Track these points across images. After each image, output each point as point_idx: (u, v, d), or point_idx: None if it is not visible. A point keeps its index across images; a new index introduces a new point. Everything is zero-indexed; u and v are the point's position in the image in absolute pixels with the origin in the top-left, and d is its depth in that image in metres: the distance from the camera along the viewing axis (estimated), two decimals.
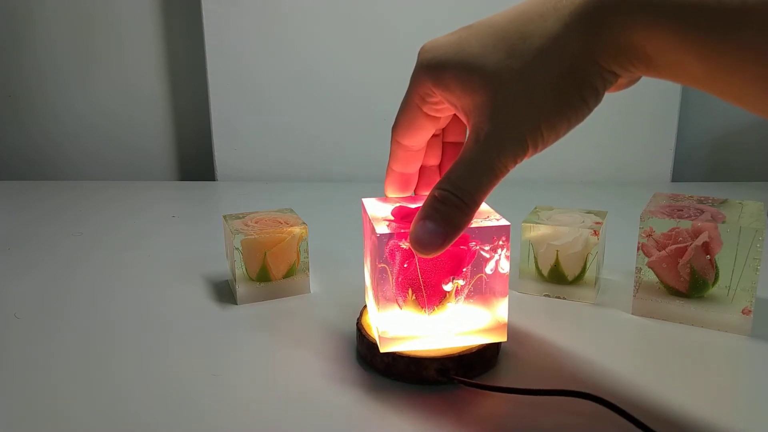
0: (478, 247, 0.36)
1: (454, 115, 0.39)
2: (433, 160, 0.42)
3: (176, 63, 1.03)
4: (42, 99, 1.04)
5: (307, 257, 0.52)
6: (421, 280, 0.36)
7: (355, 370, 0.40)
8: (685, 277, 0.45)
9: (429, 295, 0.37)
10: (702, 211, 0.45)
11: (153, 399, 0.37)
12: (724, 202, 0.47)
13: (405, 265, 0.36)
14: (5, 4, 0.99)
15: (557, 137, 0.31)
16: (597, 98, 0.30)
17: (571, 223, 0.49)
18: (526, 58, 0.30)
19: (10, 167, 1.06)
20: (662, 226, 0.45)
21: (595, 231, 0.48)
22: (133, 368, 0.41)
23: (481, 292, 0.37)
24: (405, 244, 0.36)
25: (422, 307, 0.37)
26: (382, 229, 0.36)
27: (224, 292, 0.53)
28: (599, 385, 0.38)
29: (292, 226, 0.51)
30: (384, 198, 0.42)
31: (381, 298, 0.36)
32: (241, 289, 0.50)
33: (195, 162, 1.06)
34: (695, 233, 0.44)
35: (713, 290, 0.44)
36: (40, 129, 1.05)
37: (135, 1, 1.00)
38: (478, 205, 0.32)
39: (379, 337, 0.37)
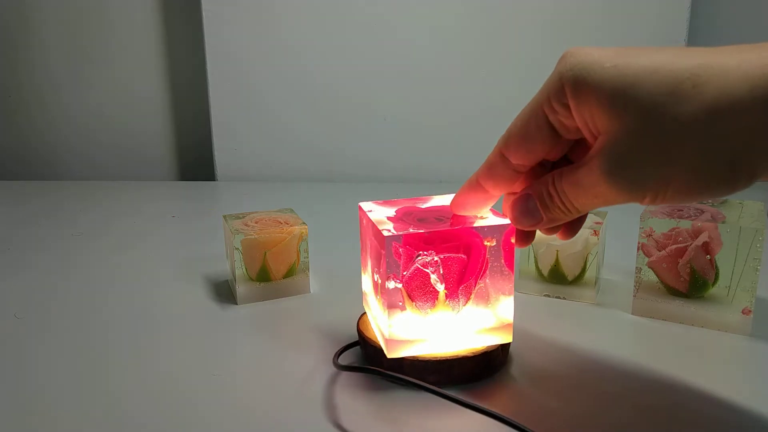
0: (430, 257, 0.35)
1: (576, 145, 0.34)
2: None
3: (176, 64, 1.03)
4: (43, 99, 1.03)
5: (307, 257, 0.52)
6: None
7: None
8: (685, 277, 0.45)
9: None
10: (702, 211, 0.45)
11: (153, 398, 0.37)
12: (724, 202, 0.47)
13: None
14: (6, 4, 0.99)
15: (683, 201, 0.28)
16: (749, 182, 0.26)
17: None
18: (689, 109, 0.25)
19: (11, 168, 1.06)
20: (662, 226, 0.45)
21: (595, 231, 0.48)
22: (133, 368, 0.41)
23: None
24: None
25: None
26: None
27: (224, 292, 0.53)
28: (599, 385, 0.38)
29: (292, 226, 0.51)
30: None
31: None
32: (241, 289, 0.50)
33: (195, 162, 1.06)
34: (695, 233, 0.44)
35: (713, 290, 0.44)
36: (41, 128, 1.05)
37: (135, 2, 1.00)
38: (580, 214, 0.32)
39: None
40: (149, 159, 1.06)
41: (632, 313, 0.47)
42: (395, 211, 0.39)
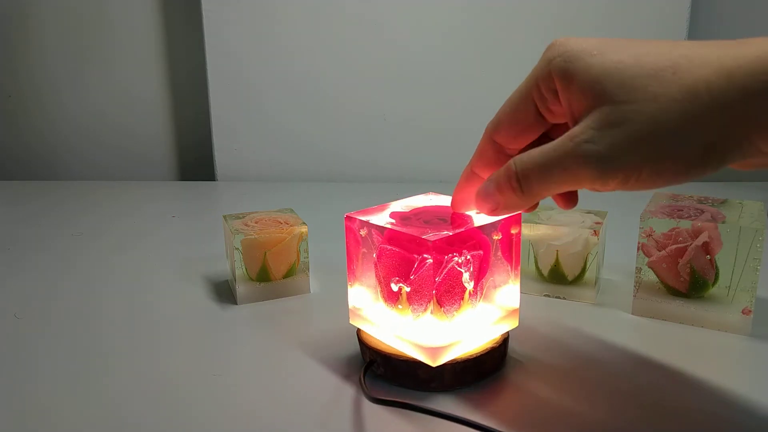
0: (429, 259, 0.34)
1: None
2: None
3: (176, 64, 1.03)
4: (42, 99, 1.03)
5: (307, 257, 0.52)
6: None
7: (354, 371, 0.40)
8: (685, 277, 0.45)
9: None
10: (702, 211, 0.45)
11: (153, 398, 0.37)
12: (724, 202, 0.47)
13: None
14: (6, 4, 0.99)
15: (654, 185, 0.28)
16: (718, 167, 0.27)
17: (571, 223, 0.49)
18: (668, 91, 0.26)
19: (11, 168, 1.06)
20: (662, 226, 0.45)
21: (595, 231, 0.48)
22: (133, 368, 0.41)
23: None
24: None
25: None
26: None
27: (224, 292, 0.53)
28: (599, 385, 0.38)
29: (292, 226, 0.51)
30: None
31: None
32: (241, 289, 0.50)
33: (195, 162, 1.06)
34: (695, 233, 0.44)
35: (713, 290, 0.44)
36: (41, 128, 1.05)
37: (135, 3, 1.00)
38: (535, 199, 0.31)
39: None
40: (149, 159, 1.06)
41: (632, 313, 0.47)
42: (390, 216, 0.38)
